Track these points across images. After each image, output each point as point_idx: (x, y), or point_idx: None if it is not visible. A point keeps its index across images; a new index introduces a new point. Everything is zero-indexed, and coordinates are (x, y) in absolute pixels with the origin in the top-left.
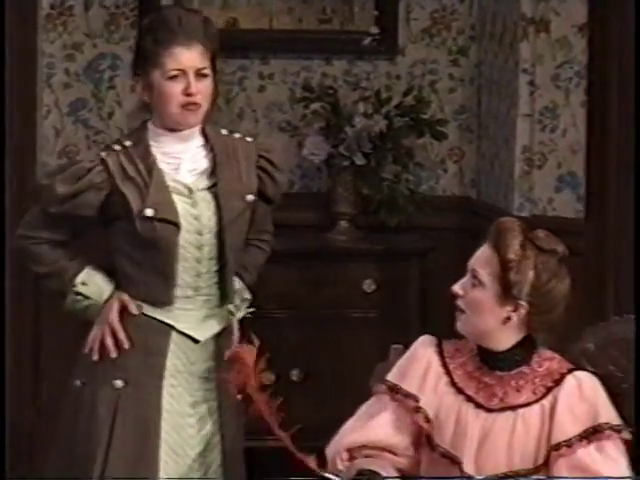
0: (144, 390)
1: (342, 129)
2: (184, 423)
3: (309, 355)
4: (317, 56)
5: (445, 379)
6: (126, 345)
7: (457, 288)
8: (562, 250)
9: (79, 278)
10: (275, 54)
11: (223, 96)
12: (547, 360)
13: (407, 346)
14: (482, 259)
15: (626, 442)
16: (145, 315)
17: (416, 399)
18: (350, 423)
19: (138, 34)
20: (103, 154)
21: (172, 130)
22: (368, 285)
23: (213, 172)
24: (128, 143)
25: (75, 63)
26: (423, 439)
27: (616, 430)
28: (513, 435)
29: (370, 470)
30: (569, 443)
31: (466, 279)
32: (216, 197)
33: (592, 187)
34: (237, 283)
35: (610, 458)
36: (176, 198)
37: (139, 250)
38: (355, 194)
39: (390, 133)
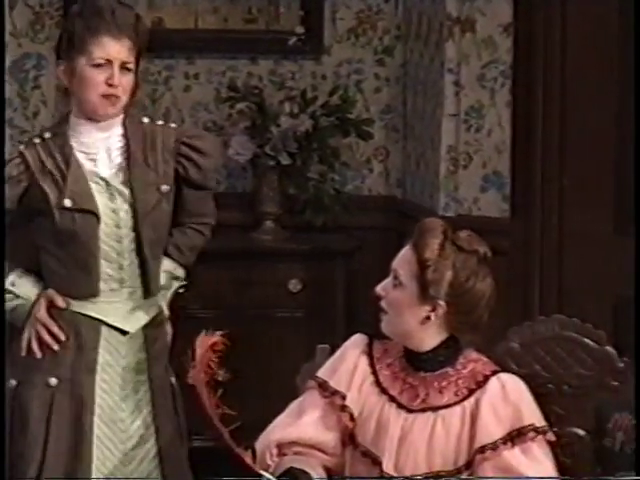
0: (77, 386)
1: (268, 129)
2: (116, 417)
3: (235, 355)
4: (243, 56)
5: (371, 379)
6: (62, 337)
7: (379, 289)
8: (484, 250)
9: (9, 279)
10: (201, 54)
11: (149, 96)
12: (472, 362)
13: (333, 346)
14: (403, 259)
15: (551, 443)
16: (73, 311)
17: (343, 397)
18: (281, 418)
19: (66, 18)
20: (22, 147)
21: (91, 119)
22: (294, 285)
23: (128, 166)
24: (47, 135)
25: None
26: (347, 437)
27: (541, 432)
28: (432, 436)
29: (300, 469)
30: (494, 446)
31: (388, 280)
32: (132, 192)
33: (517, 187)
34: (168, 263)
35: (536, 460)
36: (94, 190)
37: (60, 245)
38: (281, 194)
39: (316, 133)
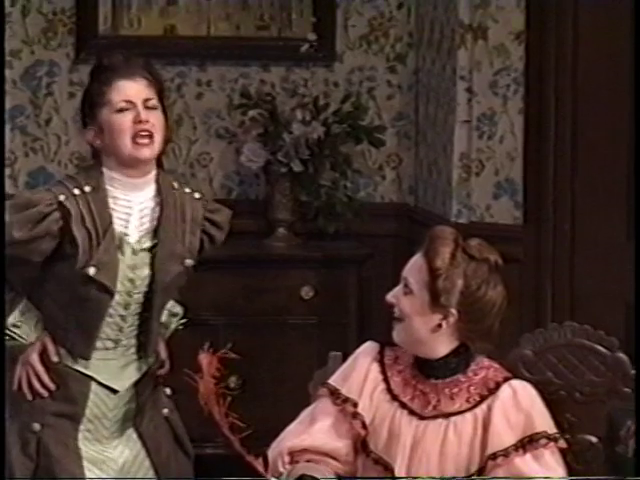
0: (61, 434)
1: (280, 136)
2: (105, 458)
3: (247, 362)
4: (255, 63)
5: (382, 386)
6: (52, 387)
7: (390, 297)
8: (494, 259)
9: (11, 318)
10: (213, 61)
11: None
12: (484, 369)
13: (345, 353)
14: (413, 267)
15: (563, 450)
16: (65, 365)
17: (355, 404)
18: (293, 426)
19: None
20: (62, 197)
21: (127, 172)
22: (306, 292)
23: (158, 232)
24: (87, 189)
25: (12, 70)
26: (359, 445)
27: (553, 439)
28: (444, 442)
29: (311, 476)
30: (506, 452)
31: (399, 287)
32: (153, 259)
33: (530, 194)
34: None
35: (547, 467)
36: (120, 260)
37: (68, 300)
38: (293, 201)
39: (328, 140)
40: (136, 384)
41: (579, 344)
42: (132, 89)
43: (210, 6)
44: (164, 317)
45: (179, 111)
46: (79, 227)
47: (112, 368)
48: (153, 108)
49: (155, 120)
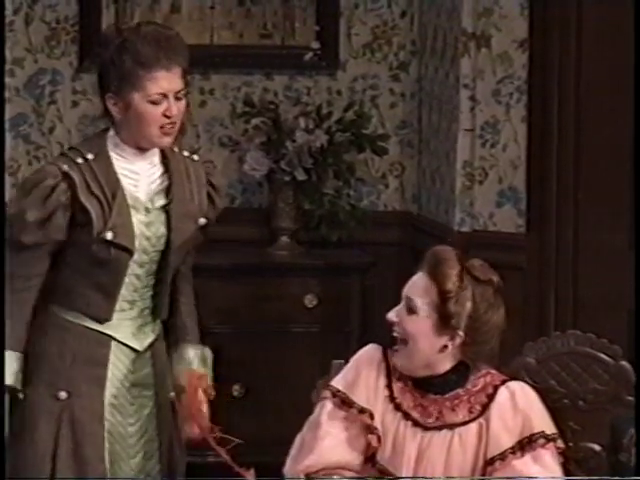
0: (87, 400)
1: (283, 144)
2: (125, 433)
3: (250, 370)
4: (258, 71)
5: (386, 393)
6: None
7: (392, 316)
8: (497, 280)
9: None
10: (216, 69)
11: None
12: (482, 377)
13: (348, 361)
14: (419, 287)
15: (566, 457)
16: (85, 326)
17: (371, 415)
18: (303, 440)
19: (109, 49)
20: (65, 167)
21: (137, 146)
22: (309, 300)
23: (168, 190)
24: (90, 156)
25: (15, 78)
26: (368, 454)
27: (551, 439)
28: (449, 453)
29: None
30: (502, 456)
31: (401, 306)
32: (168, 217)
33: (533, 202)
34: (197, 350)
35: (547, 467)
36: (134, 219)
37: (88, 268)
38: (296, 209)
39: (331, 148)
40: (152, 347)
41: (582, 352)
42: (168, 81)
43: (213, 14)
44: (204, 363)
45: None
46: (87, 195)
47: (129, 329)
48: (182, 98)
49: (180, 110)
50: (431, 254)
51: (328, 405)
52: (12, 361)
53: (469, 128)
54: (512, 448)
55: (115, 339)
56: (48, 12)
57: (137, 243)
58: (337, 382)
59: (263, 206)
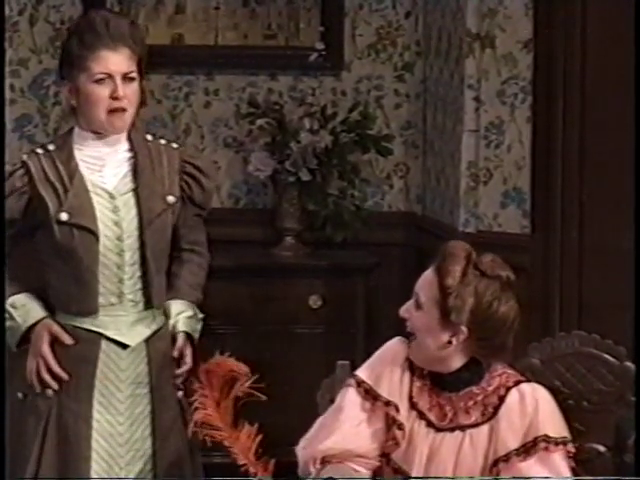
0: (75, 400)
1: (287, 145)
2: (114, 432)
3: (255, 371)
4: (262, 72)
5: (406, 390)
6: (65, 377)
7: (402, 311)
8: (506, 275)
9: (10, 300)
10: (221, 70)
11: (169, 112)
12: (497, 376)
13: (353, 362)
14: (424, 282)
15: (571, 454)
16: (73, 326)
17: (396, 409)
18: (326, 423)
19: (65, 38)
20: (24, 157)
21: (98, 134)
22: (314, 301)
23: (135, 175)
24: (51, 147)
25: (20, 79)
26: (385, 449)
27: (555, 442)
28: (460, 454)
29: None
30: (506, 458)
31: (411, 302)
32: (137, 200)
33: (537, 202)
34: (185, 306)
35: (554, 470)
36: (96, 203)
37: (60, 259)
38: (301, 210)
39: (336, 149)
40: (148, 343)
41: (587, 353)
42: (112, 61)
43: (218, 15)
44: (191, 325)
45: (187, 120)
46: (43, 182)
47: (121, 324)
48: (131, 80)
49: (131, 93)
50: (441, 249)
51: (352, 393)
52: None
53: (473, 129)
54: (516, 450)
55: (104, 336)
56: (52, 13)
57: (105, 228)
58: (362, 372)
59: (268, 207)
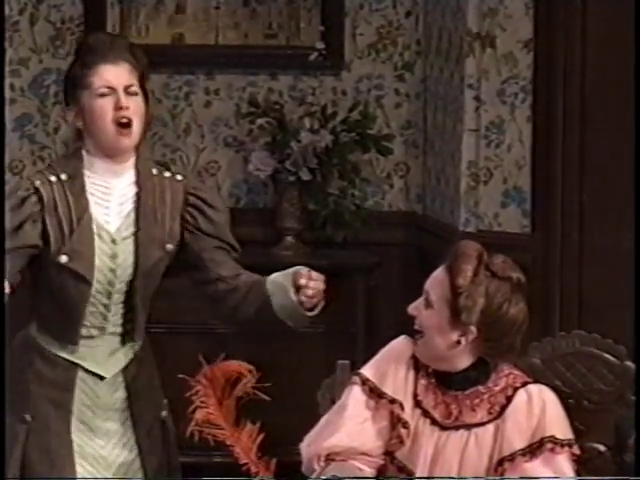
0: (53, 424)
1: (288, 144)
2: (97, 455)
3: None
4: (263, 71)
5: (411, 388)
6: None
7: (411, 309)
8: (517, 277)
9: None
10: (221, 69)
11: (169, 111)
12: (504, 376)
13: (353, 361)
14: (435, 281)
15: (576, 457)
16: (52, 352)
17: (401, 406)
18: (330, 420)
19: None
20: (37, 183)
21: (107, 156)
22: None
23: (138, 216)
24: (64, 177)
25: (20, 78)
26: (389, 448)
27: (560, 444)
28: (464, 453)
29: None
30: (511, 457)
31: (420, 300)
32: (136, 247)
33: (538, 202)
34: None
35: (558, 472)
36: (97, 249)
37: (49, 288)
38: (301, 209)
39: (336, 148)
40: (124, 371)
41: (587, 352)
42: (113, 74)
43: (218, 15)
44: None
45: (187, 119)
46: (51, 214)
47: (98, 355)
48: (134, 94)
49: (135, 106)
50: (452, 249)
51: (357, 391)
52: None
53: (474, 128)
54: (522, 450)
55: (82, 367)
56: (53, 12)
57: (100, 275)
58: (367, 370)
59: (268, 206)
